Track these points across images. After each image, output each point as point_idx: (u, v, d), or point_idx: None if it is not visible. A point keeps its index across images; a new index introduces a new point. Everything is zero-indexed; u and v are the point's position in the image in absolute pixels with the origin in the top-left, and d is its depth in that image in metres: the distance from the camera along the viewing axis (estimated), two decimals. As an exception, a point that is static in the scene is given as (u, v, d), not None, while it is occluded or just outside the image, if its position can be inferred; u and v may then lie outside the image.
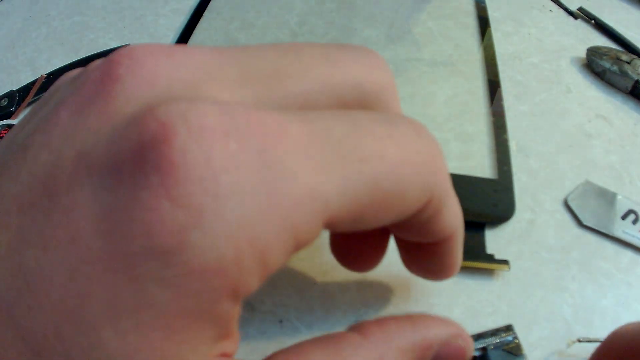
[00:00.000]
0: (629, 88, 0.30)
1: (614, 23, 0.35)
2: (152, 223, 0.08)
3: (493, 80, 0.31)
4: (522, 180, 0.26)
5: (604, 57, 0.32)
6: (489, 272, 0.22)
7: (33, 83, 0.32)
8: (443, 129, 0.29)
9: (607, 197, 0.25)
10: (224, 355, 0.10)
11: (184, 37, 0.35)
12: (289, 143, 0.09)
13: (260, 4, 0.38)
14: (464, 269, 0.22)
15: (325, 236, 0.19)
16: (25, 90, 0.32)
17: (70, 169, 0.09)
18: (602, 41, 0.35)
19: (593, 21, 0.36)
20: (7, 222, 0.08)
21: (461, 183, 0.25)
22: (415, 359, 0.13)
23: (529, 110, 0.30)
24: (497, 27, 0.35)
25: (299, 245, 0.10)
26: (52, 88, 0.13)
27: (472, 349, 0.15)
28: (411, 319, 0.14)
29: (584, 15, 0.36)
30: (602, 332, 0.19)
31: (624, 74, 0.31)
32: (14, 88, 0.32)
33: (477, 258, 0.22)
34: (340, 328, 0.16)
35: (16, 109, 0.31)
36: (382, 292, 0.22)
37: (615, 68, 0.31)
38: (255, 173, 0.09)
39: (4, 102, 0.31)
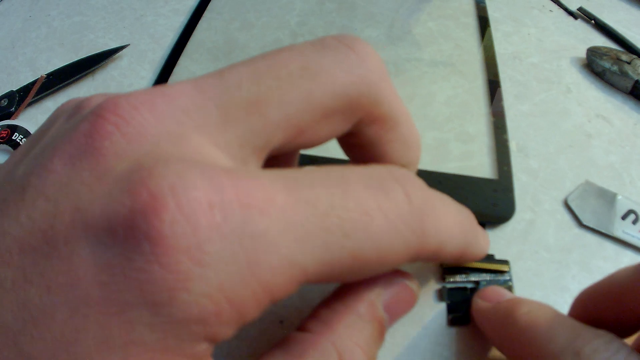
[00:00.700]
0: (629, 88, 0.30)
1: (614, 23, 0.35)
2: (145, 282, 0.09)
3: (493, 80, 0.31)
4: (522, 180, 0.26)
5: (604, 57, 0.32)
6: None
7: (33, 83, 0.32)
8: (443, 129, 0.29)
9: (607, 197, 0.25)
10: None
11: (184, 37, 0.35)
12: (273, 214, 0.10)
13: (260, 4, 0.38)
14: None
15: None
16: (25, 90, 0.32)
17: (67, 222, 0.10)
18: (602, 41, 0.35)
19: (593, 21, 0.36)
20: (9, 260, 0.09)
21: (461, 183, 0.25)
22: (367, 324, 0.14)
23: (529, 110, 0.30)
24: (497, 27, 0.35)
25: (274, 300, 0.11)
26: (52, 115, 0.14)
27: (418, 288, 0.16)
28: (342, 292, 0.15)
29: (584, 15, 0.36)
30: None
31: (624, 74, 0.31)
32: (14, 88, 0.32)
33: (477, 258, 0.22)
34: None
35: (16, 109, 0.31)
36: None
37: (615, 68, 0.31)
38: (238, 243, 0.10)
39: (4, 102, 0.31)
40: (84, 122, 0.11)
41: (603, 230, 0.24)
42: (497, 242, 0.24)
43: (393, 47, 0.34)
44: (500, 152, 0.27)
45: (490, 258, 0.22)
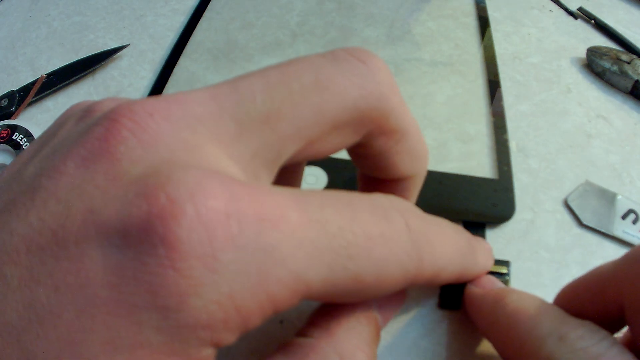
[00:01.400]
0: (629, 88, 0.30)
1: (614, 23, 0.35)
2: (157, 285, 0.09)
3: (493, 80, 0.31)
4: (522, 180, 0.26)
5: (604, 57, 0.32)
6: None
7: (33, 83, 0.32)
8: (443, 129, 0.29)
9: (607, 197, 0.25)
10: None
11: (184, 37, 0.35)
12: (286, 230, 0.10)
13: (260, 4, 0.38)
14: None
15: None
16: (25, 90, 0.32)
17: (79, 223, 0.10)
18: (602, 41, 0.35)
19: (593, 21, 0.36)
20: (16, 259, 0.09)
21: (461, 183, 0.25)
22: (364, 326, 0.14)
23: (529, 110, 0.30)
24: (497, 27, 0.35)
25: (277, 311, 0.11)
26: (61, 118, 0.13)
27: (406, 290, 0.16)
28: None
29: (584, 15, 0.36)
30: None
31: (624, 74, 0.31)
32: (14, 88, 0.32)
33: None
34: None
35: (16, 109, 0.31)
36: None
37: (615, 68, 0.31)
38: (251, 254, 0.10)
39: (4, 102, 0.31)
40: (98, 126, 0.11)
41: (603, 230, 0.24)
42: (497, 242, 0.24)
43: (393, 47, 0.34)
44: (500, 152, 0.27)
45: (492, 250, 0.22)
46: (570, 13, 0.37)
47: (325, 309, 0.15)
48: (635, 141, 0.28)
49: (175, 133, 0.11)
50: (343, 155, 0.17)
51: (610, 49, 0.32)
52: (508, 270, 0.21)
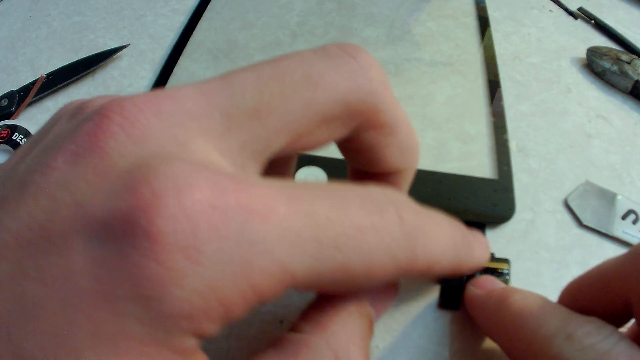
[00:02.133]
0: (629, 88, 0.30)
1: (614, 23, 0.35)
2: (139, 277, 0.09)
3: (493, 80, 0.31)
4: (522, 180, 0.26)
5: (604, 57, 0.32)
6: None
7: (33, 83, 0.32)
8: (443, 129, 0.29)
9: (607, 197, 0.25)
10: None
11: (184, 37, 0.35)
12: (272, 221, 0.10)
13: (260, 4, 0.38)
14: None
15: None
16: (25, 90, 0.32)
17: (67, 217, 0.10)
18: (602, 41, 0.35)
19: (593, 21, 0.36)
20: (6, 254, 0.10)
21: (461, 183, 0.25)
22: (357, 321, 0.14)
23: (529, 110, 0.30)
24: (497, 27, 0.35)
25: (261, 302, 0.11)
26: (54, 116, 0.14)
27: (399, 284, 0.17)
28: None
29: (584, 15, 0.36)
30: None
31: (624, 74, 0.31)
32: (14, 88, 0.32)
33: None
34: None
35: (16, 109, 0.31)
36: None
37: (615, 68, 0.31)
38: (235, 246, 0.10)
39: (4, 102, 0.31)
40: (88, 121, 0.11)
41: (603, 230, 0.24)
42: (497, 242, 0.24)
43: (393, 47, 0.34)
44: (500, 152, 0.27)
45: (491, 257, 0.23)
46: (570, 13, 0.37)
47: (318, 305, 0.14)
48: (635, 141, 0.28)
49: (164, 128, 0.11)
50: (338, 154, 0.17)
51: (610, 49, 0.32)
52: (509, 268, 0.21)
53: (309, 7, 0.37)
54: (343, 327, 0.14)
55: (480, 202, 0.24)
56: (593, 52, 0.32)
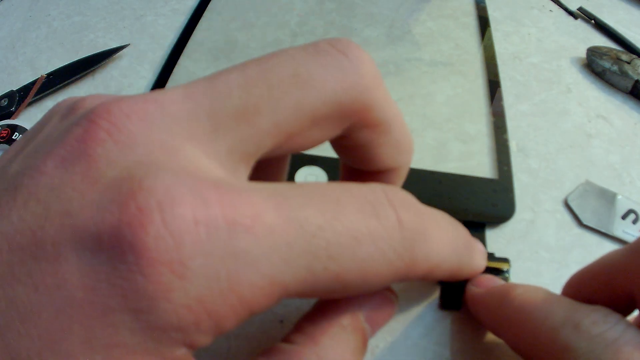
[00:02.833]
0: (629, 88, 0.30)
1: (614, 23, 0.35)
2: (128, 290, 0.09)
3: (493, 80, 0.31)
4: (522, 180, 0.26)
5: (604, 57, 0.32)
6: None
7: (33, 83, 0.32)
8: (443, 129, 0.29)
9: (607, 197, 0.25)
10: None
11: (184, 37, 0.35)
12: (260, 232, 0.10)
13: (260, 4, 0.38)
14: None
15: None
16: (25, 90, 0.32)
17: (57, 225, 0.10)
18: (602, 41, 0.35)
19: (593, 21, 0.36)
20: None
21: (461, 183, 0.25)
22: (350, 336, 0.14)
23: (529, 110, 0.30)
24: (497, 27, 0.35)
25: (254, 313, 0.11)
26: (47, 114, 0.14)
27: (397, 299, 0.16)
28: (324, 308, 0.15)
29: (584, 15, 0.36)
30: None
31: (624, 74, 0.31)
32: (14, 88, 0.32)
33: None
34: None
35: (16, 108, 0.31)
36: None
37: (615, 68, 0.31)
38: (220, 260, 0.10)
39: (4, 102, 0.31)
40: (77, 126, 0.11)
41: (603, 230, 0.24)
42: (497, 242, 0.24)
43: (393, 47, 0.34)
44: (500, 152, 0.27)
45: (490, 256, 0.22)
46: (570, 13, 0.37)
47: (312, 316, 0.14)
48: (635, 141, 0.28)
49: (151, 134, 0.11)
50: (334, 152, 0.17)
51: (610, 49, 0.32)
52: (509, 267, 0.21)
53: (309, 7, 0.37)
54: (335, 342, 0.14)
55: (480, 202, 0.24)
56: (593, 52, 0.32)
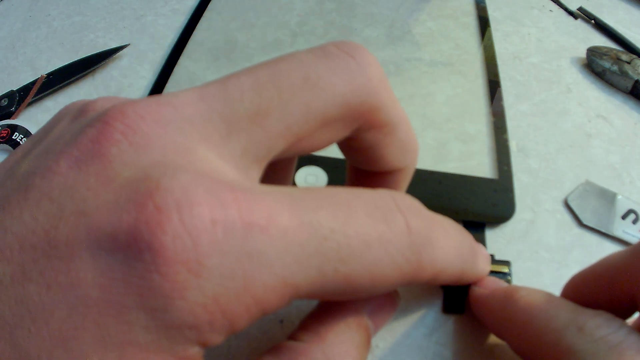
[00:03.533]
0: (629, 88, 0.30)
1: (614, 23, 0.35)
2: (144, 288, 0.10)
3: (493, 80, 0.31)
4: (522, 180, 0.26)
5: (604, 57, 0.32)
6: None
7: (33, 83, 0.32)
8: (443, 129, 0.29)
9: (607, 197, 0.25)
10: None
11: (184, 37, 0.35)
12: (274, 235, 0.10)
13: (260, 4, 0.38)
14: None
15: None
16: (25, 90, 0.32)
17: (71, 224, 0.10)
18: (602, 41, 0.35)
19: (593, 21, 0.36)
20: (9, 257, 0.10)
21: (461, 183, 0.25)
22: (355, 332, 0.14)
23: (529, 110, 0.30)
24: (497, 27, 0.35)
25: (266, 313, 0.11)
26: (56, 116, 0.14)
27: (399, 297, 0.17)
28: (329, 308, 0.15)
29: (584, 15, 0.36)
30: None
31: (624, 74, 0.31)
32: (14, 88, 0.32)
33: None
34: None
35: (16, 108, 0.31)
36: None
37: (615, 68, 0.31)
38: (236, 260, 0.10)
39: (4, 102, 0.31)
40: (91, 127, 0.11)
41: (603, 230, 0.24)
42: (497, 242, 0.24)
43: (393, 47, 0.34)
44: (500, 152, 0.27)
45: (490, 258, 0.23)
46: (570, 13, 0.37)
47: (317, 315, 0.15)
48: (635, 141, 0.28)
49: (166, 135, 0.11)
50: (339, 153, 0.17)
51: (610, 49, 0.32)
52: (509, 269, 0.21)
53: (309, 7, 0.37)
54: (340, 338, 0.14)
55: (480, 202, 0.24)
56: (593, 52, 0.32)
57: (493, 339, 0.20)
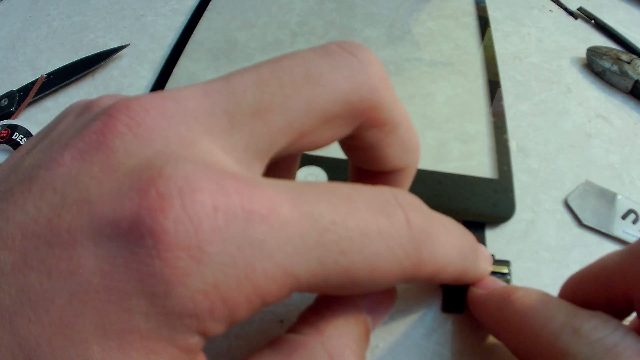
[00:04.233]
0: (629, 88, 0.30)
1: (614, 23, 0.35)
2: (145, 274, 0.09)
3: (493, 80, 0.31)
4: (522, 180, 0.26)
5: (604, 57, 0.32)
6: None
7: (33, 83, 0.32)
8: (443, 129, 0.29)
9: (607, 197, 0.25)
10: None
11: (184, 37, 0.35)
12: (275, 224, 0.10)
13: (260, 4, 0.38)
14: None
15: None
16: (25, 90, 0.32)
17: (74, 212, 0.10)
18: (602, 41, 0.35)
19: (593, 21, 0.36)
20: (10, 245, 0.10)
21: (461, 183, 0.25)
22: (353, 326, 0.14)
23: (529, 110, 0.30)
24: (497, 27, 0.35)
25: (266, 304, 0.11)
26: (60, 114, 0.14)
27: (396, 292, 0.16)
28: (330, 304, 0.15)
29: (584, 15, 0.36)
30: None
31: (624, 74, 0.31)
32: (14, 88, 0.32)
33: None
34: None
35: (16, 109, 0.31)
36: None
37: (615, 68, 0.31)
38: (237, 248, 0.10)
39: (4, 102, 0.31)
40: (96, 121, 0.11)
41: (603, 230, 0.24)
42: (497, 242, 0.24)
43: (393, 47, 0.34)
44: (500, 152, 0.27)
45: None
46: (570, 13, 0.37)
47: (316, 308, 0.15)
48: (635, 141, 0.28)
49: (170, 128, 0.11)
50: (343, 154, 0.17)
51: (610, 49, 0.32)
52: (509, 270, 0.21)
53: (309, 7, 0.37)
54: (339, 332, 0.14)
55: (480, 202, 0.24)
56: (593, 52, 0.32)
57: (492, 339, 0.20)
